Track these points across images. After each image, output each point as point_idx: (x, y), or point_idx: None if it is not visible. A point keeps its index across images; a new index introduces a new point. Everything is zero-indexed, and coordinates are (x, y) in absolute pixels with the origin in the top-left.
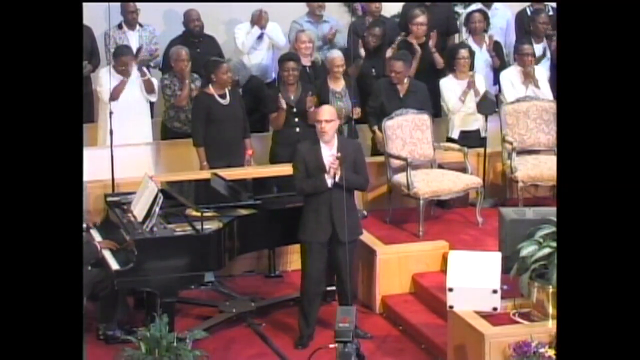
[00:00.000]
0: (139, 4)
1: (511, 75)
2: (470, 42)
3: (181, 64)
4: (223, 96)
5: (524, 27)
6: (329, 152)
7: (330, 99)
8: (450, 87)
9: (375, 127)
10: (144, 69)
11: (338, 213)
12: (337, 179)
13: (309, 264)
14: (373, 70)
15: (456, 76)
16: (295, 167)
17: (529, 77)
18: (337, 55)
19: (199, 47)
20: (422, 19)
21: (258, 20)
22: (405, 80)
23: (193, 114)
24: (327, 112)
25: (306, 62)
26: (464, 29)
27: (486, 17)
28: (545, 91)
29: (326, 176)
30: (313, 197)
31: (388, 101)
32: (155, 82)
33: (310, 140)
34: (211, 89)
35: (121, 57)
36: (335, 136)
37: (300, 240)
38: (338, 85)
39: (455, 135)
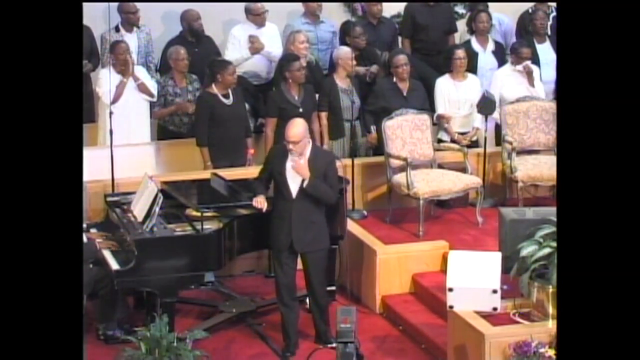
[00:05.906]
0: (139, 4)
1: (506, 74)
2: (474, 42)
3: (181, 63)
4: (226, 96)
5: (525, 28)
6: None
7: (340, 95)
8: (444, 89)
9: (372, 128)
10: (137, 73)
11: (297, 224)
12: (304, 184)
13: (276, 270)
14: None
15: (452, 77)
16: (262, 168)
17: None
18: (346, 50)
19: (197, 47)
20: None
21: (256, 23)
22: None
23: (196, 113)
24: (296, 134)
25: (302, 62)
26: (465, 29)
27: (490, 18)
28: (539, 91)
29: (290, 185)
30: (279, 204)
31: (392, 100)
32: (153, 84)
33: (284, 145)
34: (214, 89)
35: (118, 54)
36: (308, 147)
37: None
38: (345, 82)
39: (446, 137)
